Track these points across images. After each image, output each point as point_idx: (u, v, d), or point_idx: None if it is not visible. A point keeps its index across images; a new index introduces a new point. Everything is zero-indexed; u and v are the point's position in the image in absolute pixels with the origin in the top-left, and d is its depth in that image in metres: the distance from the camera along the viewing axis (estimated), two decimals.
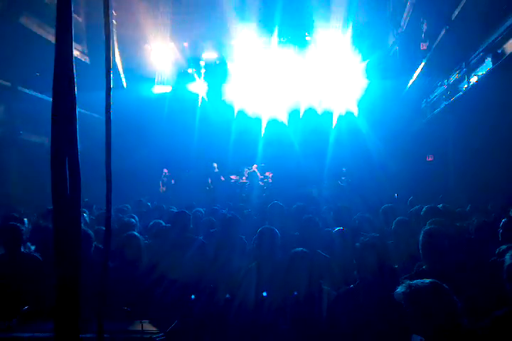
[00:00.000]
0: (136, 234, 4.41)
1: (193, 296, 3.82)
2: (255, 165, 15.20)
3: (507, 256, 2.75)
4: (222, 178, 15.23)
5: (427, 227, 3.58)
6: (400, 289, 2.40)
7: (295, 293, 3.43)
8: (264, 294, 3.49)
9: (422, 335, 2.38)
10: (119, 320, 3.27)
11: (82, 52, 13.42)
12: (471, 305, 2.77)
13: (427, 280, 2.36)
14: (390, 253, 3.56)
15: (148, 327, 3.24)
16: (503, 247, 3.61)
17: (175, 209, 6.96)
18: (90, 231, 4.24)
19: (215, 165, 15.49)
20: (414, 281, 2.38)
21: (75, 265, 1.20)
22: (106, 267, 1.40)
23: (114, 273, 4.17)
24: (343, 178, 14.50)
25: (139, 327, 3.19)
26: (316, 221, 4.85)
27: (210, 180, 15.17)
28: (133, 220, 5.74)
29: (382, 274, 3.15)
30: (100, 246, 4.31)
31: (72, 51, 1.22)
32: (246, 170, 15.27)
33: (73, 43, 1.18)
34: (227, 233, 4.68)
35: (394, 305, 2.50)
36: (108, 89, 1.23)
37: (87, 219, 6.65)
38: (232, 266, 4.11)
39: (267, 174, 15.34)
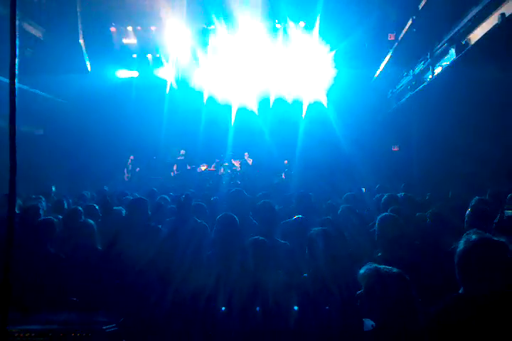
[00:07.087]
0: (90, 221, 4.27)
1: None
2: (247, 154, 15.08)
3: (460, 242, 2.80)
4: (189, 167, 15.05)
5: (382, 214, 3.59)
6: (364, 271, 2.41)
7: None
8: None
9: (374, 320, 2.40)
10: (69, 310, 3.16)
11: (42, 32, 12.82)
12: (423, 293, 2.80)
13: (395, 269, 2.38)
14: (345, 241, 3.53)
15: (99, 317, 3.13)
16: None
17: (137, 196, 6.78)
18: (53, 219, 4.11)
19: (182, 152, 15.26)
20: (382, 266, 2.41)
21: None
22: (9, 255, 1.30)
23: (66, 261, 4.03)
24: (286, 170, 14.59)
25: (89, 318, 3.08)
26: (271, 205, 4.74)
27: (175, 167, 14.97)
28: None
29: (335, 262, 3.11)
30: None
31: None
32: (217, 160, 15.11)
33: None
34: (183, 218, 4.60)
35: (348, 290, 2.50)
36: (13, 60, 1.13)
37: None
38: (189, 254, 4.02)
39: (235, 163, 15.24)
